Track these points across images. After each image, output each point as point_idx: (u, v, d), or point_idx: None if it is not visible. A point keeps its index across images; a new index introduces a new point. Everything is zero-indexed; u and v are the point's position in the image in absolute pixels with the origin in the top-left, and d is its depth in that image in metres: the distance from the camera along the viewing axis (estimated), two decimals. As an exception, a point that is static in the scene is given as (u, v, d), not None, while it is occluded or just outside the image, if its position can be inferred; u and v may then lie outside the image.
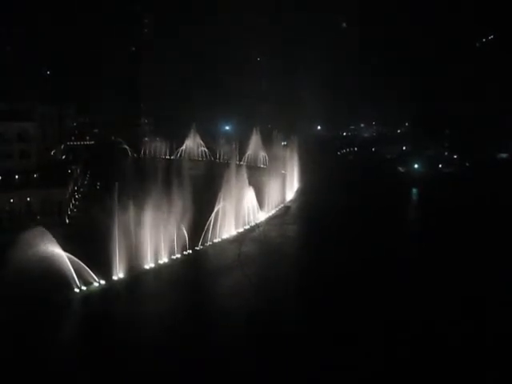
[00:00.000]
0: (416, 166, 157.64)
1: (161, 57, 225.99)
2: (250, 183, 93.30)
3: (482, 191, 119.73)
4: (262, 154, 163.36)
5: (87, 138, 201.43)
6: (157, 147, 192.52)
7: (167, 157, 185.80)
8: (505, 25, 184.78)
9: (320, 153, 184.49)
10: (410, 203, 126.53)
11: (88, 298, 58.11)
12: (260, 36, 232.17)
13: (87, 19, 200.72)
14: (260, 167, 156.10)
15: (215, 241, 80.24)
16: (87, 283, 60.01)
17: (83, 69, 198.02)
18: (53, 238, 58.25)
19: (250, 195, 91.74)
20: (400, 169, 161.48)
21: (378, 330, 51.88)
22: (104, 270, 62.04)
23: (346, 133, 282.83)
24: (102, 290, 60.11)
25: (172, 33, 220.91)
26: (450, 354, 47.44)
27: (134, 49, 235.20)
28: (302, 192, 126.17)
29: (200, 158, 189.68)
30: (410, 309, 57.12)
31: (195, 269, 69.78)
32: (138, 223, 67.81)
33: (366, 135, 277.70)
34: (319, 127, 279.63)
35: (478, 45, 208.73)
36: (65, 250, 59.10)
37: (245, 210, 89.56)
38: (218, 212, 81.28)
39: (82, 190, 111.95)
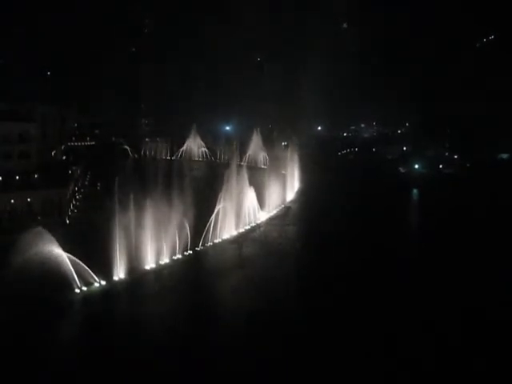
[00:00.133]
0: (416, 166, 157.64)
1: (161, 57, 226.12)
2: (251, 183, 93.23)
3: (483, 192, 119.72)
4: (263, 155, 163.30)
5: (88, 138, 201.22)
6: (157, 148, 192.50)
7: (168, 157, 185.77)
8: (505, 24, 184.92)
9: (320, 153, 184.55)
10: (411, 204, 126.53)
11: (89, 298, 58.02)
12: (260, 36, 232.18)
13: (87, 19, 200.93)
14: (260, 167, 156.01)
15: (216, 241, 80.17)
16: (88, 284, 59.95)
17: (83, 69, 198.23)
18: (53, 239, 58.19)
19: (250, 195, 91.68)
20: (401, 169, 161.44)
21: (380, 330, 51.91)
22: (105, 270, 61.96)
23: (347, 133, 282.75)
24: (103, 291, 60.00)
25: (172, 33, 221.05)
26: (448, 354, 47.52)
27: (134, 49, 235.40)
28: (302, 192, 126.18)
29: (201, 159, 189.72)
30: (410, 309, 57.12)
31: (196, 269, 69.67)
32: (139, 223, 67.73)
33: (366, 135, 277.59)
34: (320, 127, 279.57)
35: (478, 45, 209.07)
36: (65, 250, 59.03)
37: (245, 210, 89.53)
38: (218, 212, 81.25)
39: (82, 190, 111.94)
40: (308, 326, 52.46)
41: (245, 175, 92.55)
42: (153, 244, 68.53)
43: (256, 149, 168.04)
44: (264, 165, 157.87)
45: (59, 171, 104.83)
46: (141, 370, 44.14)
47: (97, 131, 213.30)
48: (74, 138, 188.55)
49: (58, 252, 58.33)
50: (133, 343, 48.68)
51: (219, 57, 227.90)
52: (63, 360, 45.70)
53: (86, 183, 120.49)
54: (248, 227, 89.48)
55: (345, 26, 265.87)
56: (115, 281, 62.54)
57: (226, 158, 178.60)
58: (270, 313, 55.54)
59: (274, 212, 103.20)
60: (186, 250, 73.72)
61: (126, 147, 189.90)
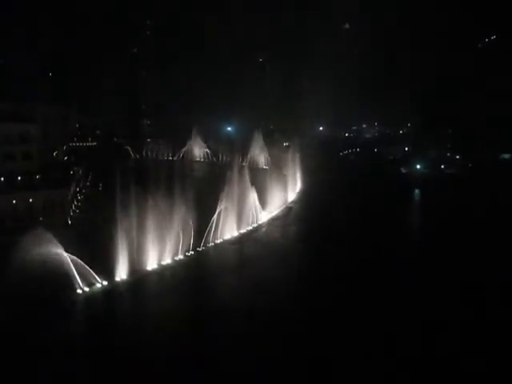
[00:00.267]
0: (418, 166, 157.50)
1: (162, 57, 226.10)
2: (252, 184, 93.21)
3: (484, 192, 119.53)
4: (264, 155, 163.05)
5: (89, 139, 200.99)
6: (159, 148, 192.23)
7: (169, 158, 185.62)
8: (506, 24, 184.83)
9: (322, 153, 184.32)
10: (413, 204, 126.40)
11: (90, 299, 58.09)
12: (261, 36, 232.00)
13: (88, 19, 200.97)
14: (262, 168, 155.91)
15: (217, 242, 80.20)
16: (90, 284, 59.96)
17: (84, 69, 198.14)
18: (55, 239, 58.23)
19: (252, 196, 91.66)
20: (402, 169, 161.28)
21: (377, 330, 51.91)
22: (106, 271, 61.99)
23: (348, 133, 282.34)
24: (105, 291, 60.07)
25: (174, 33, 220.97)
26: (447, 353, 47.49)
27: (135, 49, 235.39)
28: (304, 193, 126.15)
29: (202, 159, 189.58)
30: (409, 309, 57.18)
31: (197, 270, 69.66)
32: (141, 224, 67.73)
33: (368, 136, 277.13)
34: (321, 128, 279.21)
35: (480, 45, 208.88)
36: (67, 250, 59.09)
37: (247, 210, 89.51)
38: (220, 213, 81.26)
39: (84, 191, 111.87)
40: (307, 326, 52.54)
41: (246, 176, 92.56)
42: (154, 245, 68.54)
43: (257, 149, 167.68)
44: (265, 165, 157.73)
45: (61, 172, 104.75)
46: (140, 370, 44.19)
47: (98, 132, 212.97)
48: (75, 139, 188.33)
49: (59, 252, 58.38)
50: (133, 343, 48.74)
51: (221, 57, 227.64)
52: (62, 360, 45.63)
53: (88, 184, 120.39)
54: (250, 228, 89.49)
55: (346, 26, 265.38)
56: (117, 281, 62.56)
57: (228, 158, 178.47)
58: (269, 313, 55.66)
59: (275, 212, 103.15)
60: (188, 251, 73.72)
61: (128, 148, 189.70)
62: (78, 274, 59.24)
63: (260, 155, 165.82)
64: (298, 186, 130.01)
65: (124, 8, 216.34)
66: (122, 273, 63.59)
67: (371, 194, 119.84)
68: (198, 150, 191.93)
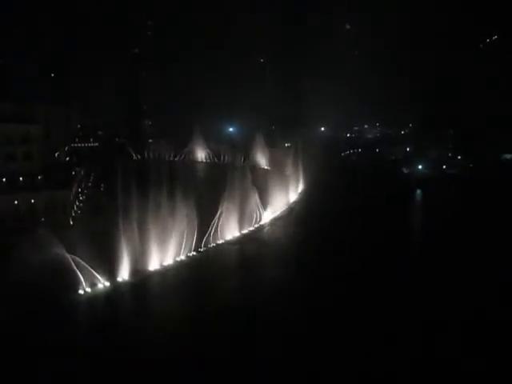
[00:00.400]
0: (420, 167, 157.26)
1: (164, 57, 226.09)
2: (254, 184, 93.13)
3: (486, 193, 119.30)
4: (266, 156, 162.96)
5: (91, 139, 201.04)
6: (160, 149, 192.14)
7: (171, 158, 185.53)
8: (506, 24, 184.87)
9: (324, 154, 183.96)
10: (414, 204, 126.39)
11: (93, 299, 58.04)
12: (262, 36, 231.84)
13: (89, 19, 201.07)
14: (264, 168, 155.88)
15: (219, 242, 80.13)
16: (92, 285, 59.90)
17: (86, 70, 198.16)
18: (57, 240, 58.21)
19: (254, 196, 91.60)
20: (404, 170, 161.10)
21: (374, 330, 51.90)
22: (109, 271, 61.92)
23: (350, 134, 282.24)
24: (107, 292, 60.04)
25: (175, 33, 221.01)
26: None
27: (136, 49, 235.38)
28: (306, 193, 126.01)
29: (204, 160, 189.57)
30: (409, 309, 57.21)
31: (198, 271, 69.61)
32: (142, 225, 67.69)
33: (369, 136, 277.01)
34: (323, 128, 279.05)
35: (481, 46, 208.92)
36: (69, 251, 59.05)
37: (249, 211, 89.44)
38: (221, 213, 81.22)
39: (85, 191, 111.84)
40: (306, 326, 52.54)
41: (248, 176, 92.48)
42: (156, 245, 68.46)
43: (259, 150, 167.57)
44: (267, 166, 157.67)
45: (62, 172, 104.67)
46: (139, 371, 44.20)
47: (100, 132, 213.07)
48: (77, 140, 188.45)
49: (61, 253, 58.34)
50: (135, 344, 48.69)
51: (222, 57, 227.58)
52: (61, 360, 45.59)
53: (90, 184, 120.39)
54: (252, 228, 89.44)
55: (347, 26, 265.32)
56: (119, 282, 62.50)
57: (230, 159, 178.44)
58: (269, 313, 55.74)
59: (277, 213, 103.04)
60: (190, 252, 73.66)
61: (130, 148, 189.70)
62: (81, 274, 59.19)
63: (262, 156, 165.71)
64: (300, 186, 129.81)
65: (125, 8, 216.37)
66: (123, 273, 63.51)
67: (373, 195, 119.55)
68: (200, 150, 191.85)
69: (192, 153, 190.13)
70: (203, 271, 69.61)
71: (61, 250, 58.42)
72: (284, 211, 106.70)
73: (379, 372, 44.58)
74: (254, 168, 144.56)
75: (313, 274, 68.76)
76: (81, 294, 58.35)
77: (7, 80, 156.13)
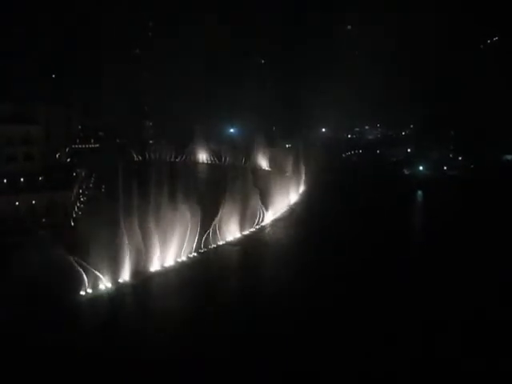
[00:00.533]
0: (421, 168, 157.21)
1: (165, 58, 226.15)
2: (255, 186, 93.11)
3: (487, 194, 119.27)
4: (267, 157, 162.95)
5: (92, 140, 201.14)
6: (161, 150, 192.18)
7: (172, 160, 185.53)
8: (506, 24, 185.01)
9: (324, 155, 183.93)
10: (415, 205, 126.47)
11: (94, 300, 58.01)
12: (263, 36, 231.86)
13: (89, 19, 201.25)
14: (265, 169, 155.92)
15: (220, 243, 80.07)
16: (93, 286, 59.86)
17: (87, 70, 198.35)
18: (58, 241, 58.22)
19: (254, 197, 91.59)
20: (405, 171, 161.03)
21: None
22: (110, 272, 61.89)
23: (351, 135, 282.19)
24: (108, 293, 60.01)
25: (176, 33, 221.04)
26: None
27: (137, 50, 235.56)
28: (307, 194, 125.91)
29: (205, 161, 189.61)
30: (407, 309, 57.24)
31: (199, 272, 69.59)
32: (143, 226, 67.71)
33: (370, 137, 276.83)
34: (324, 129, 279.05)
35: (482, 46, 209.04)
36: (70, 252, 59.04)
37: (250, 212, 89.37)
38: (223, 214, 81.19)
39: (86, 192, 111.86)
40: (306, 327, 52.62)
41: (249, 177, 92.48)
42: (157, 246, 68.46)
43: (260, 151, 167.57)
44: (268, 167, 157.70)
45: (64, 173, 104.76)
46: (138, 371, 44.22)
47: (101, 133, 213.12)
48: (78, 140, 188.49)
49: (62, 254, 58.33)
50: (136, 344, 48.71)
51: (224, 58, 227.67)
52: (59, 360, 45.59)
53: (91, 186, 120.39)
54: (253, 229, 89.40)
55: (348, 26, 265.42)
56: (121, 283, 62.47)
57: (231, 160, 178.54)
58: (270, 313, 55.86)
59: (278, 214, 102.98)
60: (191, 253, 73.67)
61: (131, 149, 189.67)
62: (81, 275, 59.19)
63: (262, 157, 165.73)
64: (301, 187, 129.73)
65: (125, 8, 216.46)
66: (125, 275, 63.49)
67: (374, 196, 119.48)
68: (201, 151, 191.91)
69: (193, 154, 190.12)
70: (204, 272, 69.57)
71: (61, 251, 58.40)
72: (285, 212, 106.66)
73: (379, 372, 44.56)
74: (255, 169, 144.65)
75: (313, 275, 68.77)
76: (82, 295, 58.30)
77: (7, 80, 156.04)
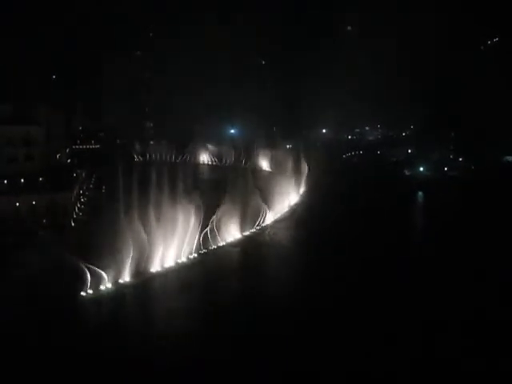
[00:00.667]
0: (421, 169, 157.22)
1: (166, 59, 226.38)
2: (255, 186, 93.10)
3: (487, 195, 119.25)
4: (267, 157, 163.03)
5: (92, 141, 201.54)
6: (162, 151, 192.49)
7: (172, 160, 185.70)
8: (506, 24, 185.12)
9: (325, 156, 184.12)
10: (416, 206, 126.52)
11: (95, 301, 57.95)
12: (264, 37, 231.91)
13: (90, 20, 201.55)
14: (265, 170, 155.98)
15: (220, 244, 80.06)
16: (93, 286, 59.84)
17: (87, 71, 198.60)
18: (58, 241, 58.25)
19: (255, 198, 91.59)
20: (406, 172, 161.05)
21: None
22: (110, 273, 61.88)
23: (351, 136, 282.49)
24: (109, 294, 59.92)
25: (177, 34, 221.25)
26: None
27: (138, 51, 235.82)
28: (307, 195, 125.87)
29: (205, 162, 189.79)
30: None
31: (199, 273, 69.57)
32: (144, 227, 67.71)
33: (370, 138, 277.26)
34: (324, 130, 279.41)
35: (482, 46, 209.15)
36: (70, 253, 59.05)
37: (250, 213, 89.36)
38: (223, 215, 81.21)
39: (87, 193, 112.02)
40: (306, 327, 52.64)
41: (249, 178, 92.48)
42: (158, 247, 68.46)
43: (260, 151, 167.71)
44: (268, 167, 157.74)
45: (64, 174, 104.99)
46: (137, 371, 44.26)
47: (101, 134, 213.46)
48: (78, 141, 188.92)
49: (62, 255, 58.36)
50: (134, 344, 48.78)
51: (224, 59, 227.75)
52: (59, 360, 45.58)
53: (91, 186, 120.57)
54: (253, 230, 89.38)
55: (348, 27, 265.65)
56: (121, 284, 62.45)
57: (231, 161, 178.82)
58: (269, 314, 55.71)
59: (279, 215, 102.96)
60: (191, 254, 73.69)
61: (131, 150, 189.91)
62: (81, 276, 59.20)
63: (263, 157, 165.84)
64: (302, 187, 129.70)
65: (125, 9, 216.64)
66: (125, 275, 63.50)
67: (375, 196, 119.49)
68: (201, 152, 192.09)
69: (193, 154, 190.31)
70: (204, 273, 69.58)
71: (61, 252, 58.43)
72: (286, 213, 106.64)
73: (379, 372, 44.57)
74: (255, 169, 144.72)
75: (314, 276, 68.79)
76: (82, 296, 58.26)
77: (7, 81, 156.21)
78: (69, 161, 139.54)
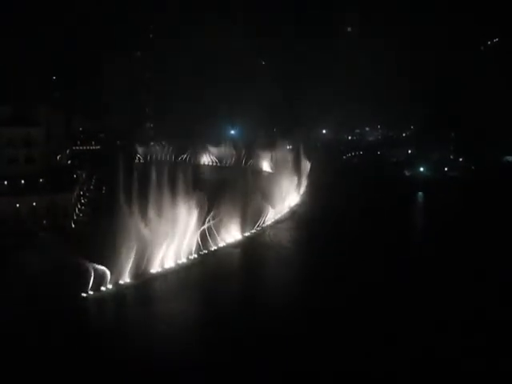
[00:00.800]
0: (421, 169, 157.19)
1: (166, 60, 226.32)
2: (256, 187, 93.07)
3: (487, 195, 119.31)
4: (268, 158, 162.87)
5: (93, 142, 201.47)
6: (162, 151, 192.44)
7: (173, 161, 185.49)
8: (506, 24, 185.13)
9: (325, 156, 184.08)
10: (416, 207, 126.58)
11: (95, 302, 58.04)
12: (264, 37, 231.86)
13: (90, 21, 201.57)
14: (265, 171, 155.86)
15: (220, 245, 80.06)
16: (93, 287, 59.86)
17: (88, 72, 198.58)
18: (58, 242, 58.24)
19: (256, 199, 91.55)
20: (406, 172, 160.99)
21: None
22: (111, 274, 61.89)
23: (352, 136, 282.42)
24: (110, 295, 60.01)
25: (177, 34, 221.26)
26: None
27: (138, 52, 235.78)
28: (307, 196, 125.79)
29: (206, 163, 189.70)
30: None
31: (199, 274, 69.71)
32: (144, 227, 67.70)
33: (371, 139, 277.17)
34: (324, 131, 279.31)
35: (482, 46, 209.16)
36: (70, 253, 59.04)
37: (251, 213, 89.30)
38: (223, 216, 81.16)
39: (87, 194, 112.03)
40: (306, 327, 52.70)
41: (250, 179, 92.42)
42: (158, 248, 68.45)
43: (261, 152, 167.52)
44: (269, 168, 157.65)
45: (64, 175, 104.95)
46: (137, 371, 44.31)
47: (102, 135, 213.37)
48: (78, 142, 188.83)
49: (63, 256, 58.35)
50: (137, 345, 48.83)
51: (225, 59, 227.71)
52: (58, 360, 45.69)
53: (91, 187, 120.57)
54: (254, 231, 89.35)
55: (348, 27, 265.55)
56: (121, 285, 62.48)
57: (232, 161, 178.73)
58: (269, 314, 55.86)
59: (279, 215, 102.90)
60: (191, 254, 73.70)
61: (131, 151, 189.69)
62: (82, 277, 59.20)
63: (263, 158, 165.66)
64: (302, 188, 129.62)
65: (126, 9, 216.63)
66: (125, 276, 63.53)
67: (375, 198, 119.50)
68: (202, 152, 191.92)
69: (194, 155, 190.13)
70: (204, 274, 69.67)
71: (62, 253, 58.42)
72: (286, 213, 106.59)
73: (379, 372, 44.61)
74: (256, 170, 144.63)
75: (314, 276, 68.84)
76: (83, 296, 58.30)
77: (8, 82, 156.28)
78: (69, 162, 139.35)
